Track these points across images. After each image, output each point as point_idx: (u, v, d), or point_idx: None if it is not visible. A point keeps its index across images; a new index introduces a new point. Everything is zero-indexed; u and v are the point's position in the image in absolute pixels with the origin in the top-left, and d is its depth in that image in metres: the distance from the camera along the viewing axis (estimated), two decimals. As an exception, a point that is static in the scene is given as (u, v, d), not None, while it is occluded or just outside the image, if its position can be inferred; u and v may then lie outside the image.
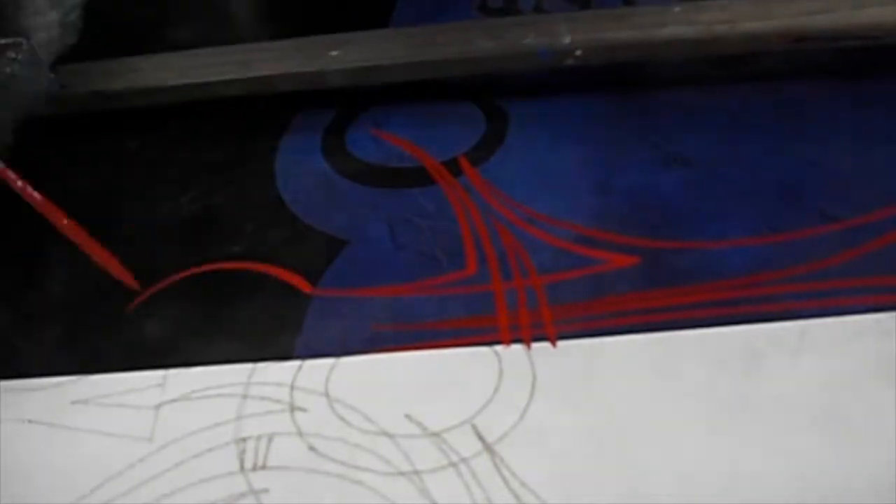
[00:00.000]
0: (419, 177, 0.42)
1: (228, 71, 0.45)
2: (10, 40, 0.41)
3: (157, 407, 0.36)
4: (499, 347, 0.35)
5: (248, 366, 0.36)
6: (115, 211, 0.45)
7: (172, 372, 0.37)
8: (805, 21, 0.41)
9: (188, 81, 0.45)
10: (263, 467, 0.33)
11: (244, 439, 0.34)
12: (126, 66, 0.47)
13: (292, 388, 0.35)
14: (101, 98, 0.46)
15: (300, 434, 0.34)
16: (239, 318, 0.38)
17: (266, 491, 0.32)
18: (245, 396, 0.36)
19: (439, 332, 0.36)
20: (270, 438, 0.34)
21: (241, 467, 0.33)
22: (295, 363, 0.36)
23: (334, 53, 0.44)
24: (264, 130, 0.47)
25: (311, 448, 0.33)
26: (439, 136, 0.44)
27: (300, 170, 0.44)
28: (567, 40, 0.41)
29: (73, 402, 0.37)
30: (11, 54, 0.41)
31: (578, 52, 0.42)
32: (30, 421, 0.36)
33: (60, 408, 0.36)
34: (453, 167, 0.42)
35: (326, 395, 0.35)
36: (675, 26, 0.41)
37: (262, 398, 0.35)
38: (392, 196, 0.42)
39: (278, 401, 0.35)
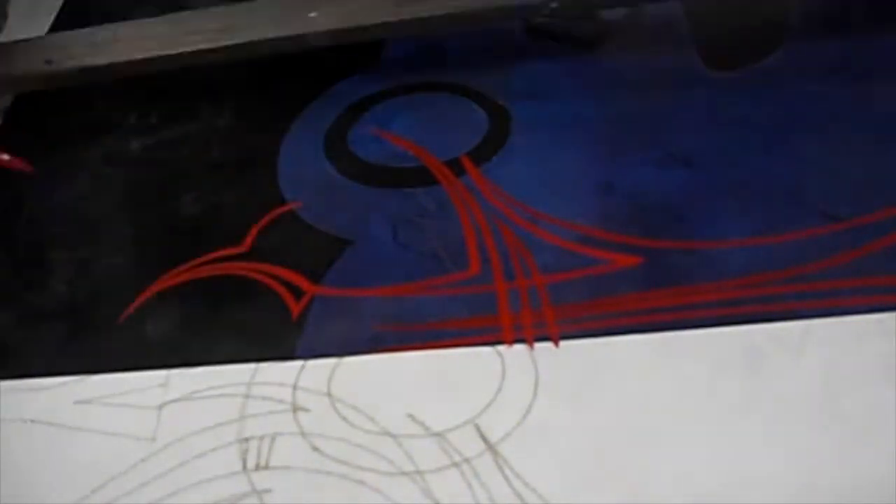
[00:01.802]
0: (421, 176, 0.42)
1: (208, 39, 0.45)
2: None
3: (160, 407, 0.36)
4: (501, 347, 0.35)
5: (251, 366, 0.36)
6: (117, 211, 0.45)
7: (175, 372, 0.37)
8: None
9: (170, 52, 0.45)
10: (266, 467, 0.33)
11: (247, 439, 0.34)
12: (109, 36, 0.47)
13: (295, 388, 0.35)
14: (88, 73, 0.46)
15: (303, 434, 0.34)
16: (240, 318, 0.38)
17: (269, 491, 0.32)
18: (248, 396, 0.36)
19: (442, 333, 0.36)
20: (273, 438, 0.34)
21: (244, 467, 0.33)
22: (297, 363, 0.36)
23: (313, 15, 0.44)
24: (267, 131, 0.47)
25: (314, 448, 0.33)
26: (442, 136, 0.44)
27: (303, 170, 0.44)
28: None
29: (76, 403, 0.37)
30: None
31: (554, 5, 0.42)
32: (32, 421, 0.36)
33: (63, 408, 0.36)
34: (456, 167, 0.42)
35: (329, 395, 0.35)
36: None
37: (265, 398, 0.35)
38: (394, 196, 0.42)
39: (281, 401, 0.35)
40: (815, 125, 0.41)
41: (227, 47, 0.45)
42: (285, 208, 0.42)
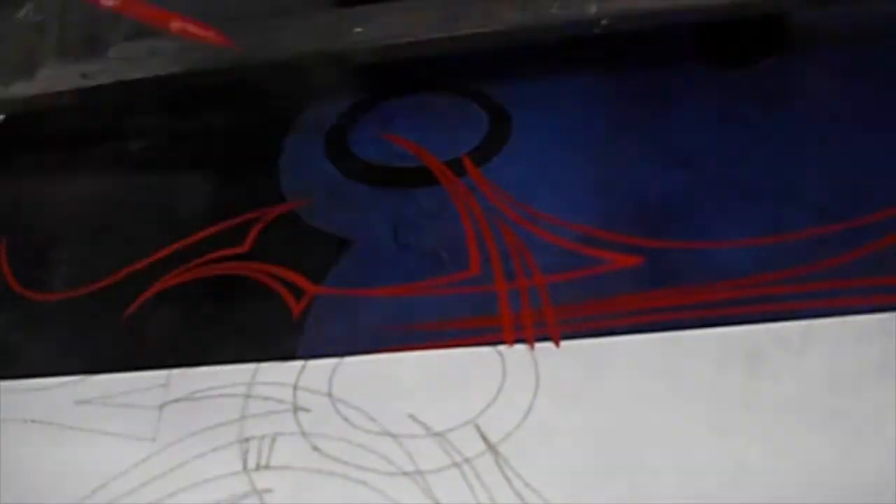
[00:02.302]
0: (422, 177, 0.42)
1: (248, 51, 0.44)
2: None
3: (161, 407, 0.36)
4: (502, 347, 0.35)
5: (252, 366, 0.36)
6: (116, 211, 0.45)
7: (176, 372, 0.37)
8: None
9: (190, 69, 0.45)
10: (267, 467, 0.33)
11: (247, 439, 0.34)
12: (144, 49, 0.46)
13: (295, 388, 0.35)
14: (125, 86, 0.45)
15: (303, 434, 0.34)
16: (241, 318, 0.38)
17: (269, 491, 0.32)
18: (248, 396, 0.36)
19: (443, 333, 0.36)
20: (274, 438, 0.34)
21: (245, 467, 0.33)
22: (298, 363, 0.36)
23: (358, 30, 0.44)
24: (268, 131, 0.47)
25: (315, 448, 0.33)
26: (442, 137, 0.44)
27: (304, 170, 0.44)
28: (593, 10, 0.41)
29: (76, 402, 0.37)
30: None
31: (604, 22, 0.41)
32: (32, 421, 0.36)
33: (63, 408, 0.36)
34: (457, 167, 0.42)
35: (330, 395, 0.35)
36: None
37: (266, 398, 0.35)
38: (394, 196, 0.42)
39: (281, 401, 0.35)
40: (817, 126, 0.41)
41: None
42: (286, 208, 0.42)
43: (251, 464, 0.33)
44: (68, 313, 0.40)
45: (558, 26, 0.42)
